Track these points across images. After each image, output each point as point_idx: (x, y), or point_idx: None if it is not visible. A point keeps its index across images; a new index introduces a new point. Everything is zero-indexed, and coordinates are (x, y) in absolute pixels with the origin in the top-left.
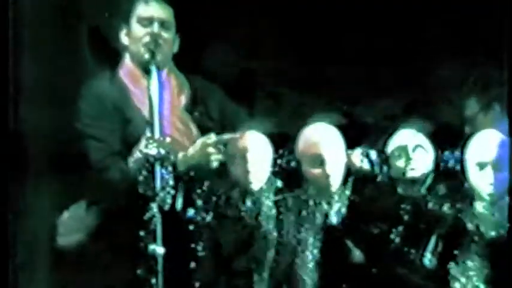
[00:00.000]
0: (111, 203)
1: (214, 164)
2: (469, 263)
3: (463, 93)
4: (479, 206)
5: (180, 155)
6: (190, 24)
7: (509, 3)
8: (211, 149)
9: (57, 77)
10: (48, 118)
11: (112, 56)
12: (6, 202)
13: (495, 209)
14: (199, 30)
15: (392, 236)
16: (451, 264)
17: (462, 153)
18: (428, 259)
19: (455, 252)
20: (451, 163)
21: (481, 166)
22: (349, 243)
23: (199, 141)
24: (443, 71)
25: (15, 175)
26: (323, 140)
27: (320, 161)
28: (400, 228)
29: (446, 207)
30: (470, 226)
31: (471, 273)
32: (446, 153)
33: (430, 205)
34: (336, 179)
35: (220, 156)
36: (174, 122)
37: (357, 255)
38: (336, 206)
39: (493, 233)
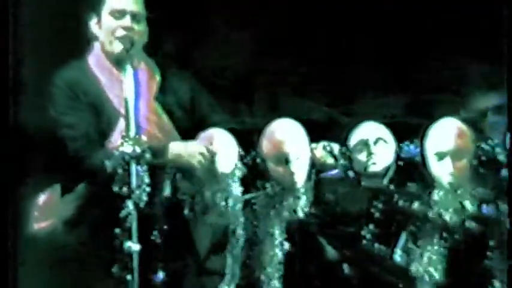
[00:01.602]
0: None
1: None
2: (429, 249)
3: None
4: (439, 194)
5: (171, 147)
6: (189, 23)
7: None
8: (201, 158)
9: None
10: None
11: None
12: (7, 201)
13: (456, 195)
14: (197, 29)
15: (363, 233)
16: (413, 249)
17: (421, 143)
18: (399, 255)
19: (418, 238)
20: (411, 154)
21: (440, 156)
22: (322, 241)
23: (193, 147)
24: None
25: (15, 173)
26: (287, 138)
27: (285, 160)
28: (372, 225)
29: (416, 205)
30: (432, 213)
31: (431, 258)
32: (406, 144)
33: (401, 203)
34: (300, 176)
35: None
36: (148, 116)
37: (329, 252)
38: (302, 201)
39: (455, 219)
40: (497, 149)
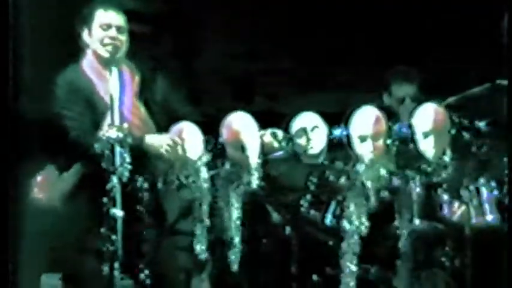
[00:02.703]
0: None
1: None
2: (353, 207)
3: None
4: (362, 167)
5: (145, 140)
6: (190, 23)
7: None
8: (167, 147)
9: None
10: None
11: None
12: (7, 197)
13: (374, 168)
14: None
15: (301, 202)
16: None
17: (347, 127)
18: (330, 220)
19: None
20: (340, 136)
21: (362, 139)
22: (269, 208)
23: (161, 139)
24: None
25: (15, 166)
26: (242, 128)
27: (241, 147)
28: (308, 196)
29: (342, 180)
30: (357, 183)
31: (359, 216)
32: (335, 128)
33: (331, 178)
34: (253, 158)
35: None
36: (131, 109)
37: (275, 217)
38: (255, 176)
39: (375, 185)
40: (404, 129)
